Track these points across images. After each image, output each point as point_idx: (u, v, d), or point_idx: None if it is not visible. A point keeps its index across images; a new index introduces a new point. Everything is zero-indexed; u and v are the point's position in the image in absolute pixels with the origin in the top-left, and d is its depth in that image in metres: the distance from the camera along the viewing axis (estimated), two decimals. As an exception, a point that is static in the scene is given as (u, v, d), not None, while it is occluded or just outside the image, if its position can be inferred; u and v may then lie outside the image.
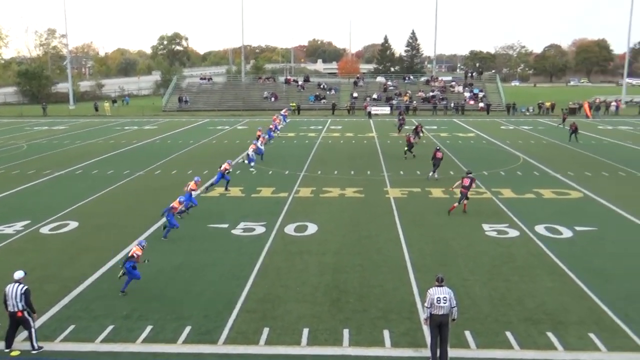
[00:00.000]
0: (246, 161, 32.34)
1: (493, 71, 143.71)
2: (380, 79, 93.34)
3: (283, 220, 21.16)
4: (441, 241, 18.57)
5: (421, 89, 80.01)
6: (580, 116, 65.26)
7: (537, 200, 24.07)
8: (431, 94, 77.44)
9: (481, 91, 78.92)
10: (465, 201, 21.83)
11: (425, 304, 11.20)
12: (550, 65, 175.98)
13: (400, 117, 50.72)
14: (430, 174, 28.26)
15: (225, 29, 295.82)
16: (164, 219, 19.35)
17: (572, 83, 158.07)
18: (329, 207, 23.04)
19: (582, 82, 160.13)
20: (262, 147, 34.55)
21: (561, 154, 36.74)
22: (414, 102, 73.97)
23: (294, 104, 72.54)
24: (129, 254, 14.53)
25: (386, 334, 12.31)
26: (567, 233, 19.37)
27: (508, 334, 12.27)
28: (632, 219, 21.08)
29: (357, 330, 12.49)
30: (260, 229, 19.88)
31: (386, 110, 70.71)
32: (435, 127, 53.85)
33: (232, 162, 27.94)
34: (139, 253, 14.54)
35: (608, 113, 68.72)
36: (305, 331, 12.43)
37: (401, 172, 30.44)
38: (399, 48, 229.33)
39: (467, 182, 21.71)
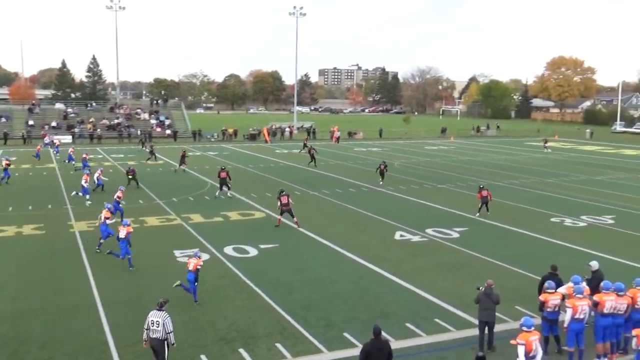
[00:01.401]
0: (80, 193, 30.12)
1: (177, 99, 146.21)
2: (59, 105, 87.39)
3: (-56, 268, 18.22)
4: (133, 272, 18.08)
5: (105, 116, 77.20)
6: (260, 141, 70.35)
7: (225, 223, 25.11)
8: (116, 121, 75.28)
9: (167, 118, 79.53)
10: (296, 219, 23.98)
11: (144, 326, 11.32)
12: (231, 93, 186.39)
13: (150, 145, 50.52)
14: (217, 192, 31.07)
15: None
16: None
17: (251, 110, 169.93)
18: (4, 249, 20.62)
19: (260, 110, 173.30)
20: (101, 179, 32.36)
21: (244, 177, 38.96)
22: (98, 130, 70.98)
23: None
24: (192, 267, 15.27)
25: (76, 379, 11.45)
26: (253, 252, 20.58)
27: (203, 356, 12.47)
28: (307, 234, 23.38)
29: (42, 381, 11.35)
30: None
31: (68, 138, 66.39)
32: (122, 156, 52.44)
33: (124, 189, 27.25)
34: (201, 264, 15.61)
35: (283, 138, 75.42)
36: (-22, 394, 10.85)
37: (88, 203, 28.85)
38: (79, 73, 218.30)
39: (285, 199, 23.83)
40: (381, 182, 36.23)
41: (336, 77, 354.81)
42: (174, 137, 71.34)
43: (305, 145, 54.85)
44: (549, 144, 63.33)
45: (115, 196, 25.39)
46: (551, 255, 19.78)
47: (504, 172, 42.97)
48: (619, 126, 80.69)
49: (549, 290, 12.75)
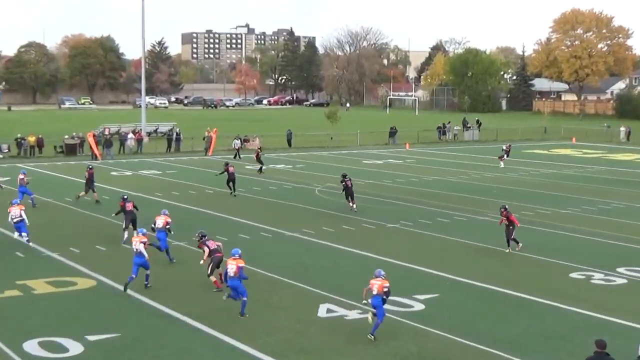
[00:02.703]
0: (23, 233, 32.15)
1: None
2: None
3: None
4: None
5: None
6: (85, 156, 68.94)
7: (26, 300, 24.44)
8: None
9: None
10: (212, 276, 25.76)
11: None
12: (31, 75, 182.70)
13: None
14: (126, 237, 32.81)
15: None
16: None
17: (68, 105, 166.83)
18: None
19: (84, 103, 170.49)
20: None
21: (58, 219, 38.05)
22: None
23: None
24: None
25: None
26: (75, 348, 20.05)
27: None
28: (171, 313, 23.03)
29: None
30: None
31: None
32: None
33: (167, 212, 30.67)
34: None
35: (125, 150, 74.26)
36: None
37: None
38: None
39: (213, 244, 26.18)
40: (354, 207, 40.07)
41: (212, 46, 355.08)
42: None
43: (260, 163, 57.69)
44: (506, 156, 62.23)
45: (162, 223, 29.50)
46: (575, 333, 20.34)
47: (492, 200, 43.93)
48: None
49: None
